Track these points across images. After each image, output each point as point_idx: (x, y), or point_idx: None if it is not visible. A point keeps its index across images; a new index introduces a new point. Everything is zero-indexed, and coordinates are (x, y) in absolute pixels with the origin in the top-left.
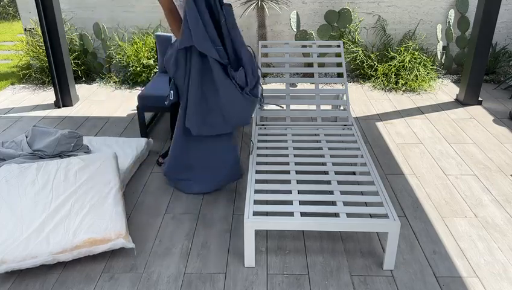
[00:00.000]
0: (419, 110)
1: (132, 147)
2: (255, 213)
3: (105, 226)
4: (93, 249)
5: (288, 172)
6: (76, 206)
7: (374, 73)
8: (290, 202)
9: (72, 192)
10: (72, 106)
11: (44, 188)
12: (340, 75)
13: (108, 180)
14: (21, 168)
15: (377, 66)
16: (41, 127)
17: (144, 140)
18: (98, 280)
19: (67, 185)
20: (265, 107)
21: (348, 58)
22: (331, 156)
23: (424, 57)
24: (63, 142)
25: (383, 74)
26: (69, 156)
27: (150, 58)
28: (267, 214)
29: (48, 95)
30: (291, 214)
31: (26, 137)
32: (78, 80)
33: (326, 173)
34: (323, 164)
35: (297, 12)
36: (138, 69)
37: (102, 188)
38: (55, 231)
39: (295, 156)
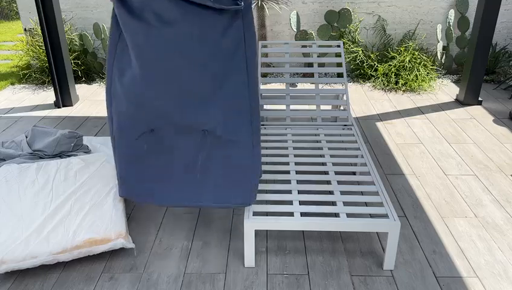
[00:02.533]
0: (419, 110)
1: None
2: (255, 213)
3: (105, 226)
4: (93, 249)
5: (288, 172)
6: (76, 207)
7: (374, 73)
8: (290, 202)
9: (72, 192)
10: (72, 106)
11: (44, 188)
12: (340, 75)
13: (108, 180)
14: (21, 168)
15: (377, 66)
16: (41, 127)
17: None
18: (98, 280)
19: (67, 185)
20: (265, 107)
21: (348, 58)
22: (331, 156)
23: (424, 57)
24: (63, 142)
25: (383, 74)
26: (69, 156)
27: None
28: (267, 214)
29: (48, 95)
30: (291, 214)
31: (26, 137)
32: (78, 80)
33: (326, 173)
34: (323, 164)
35: (297, 13)
36: None
37: (102, 188)
38: (55, 231)
39: (295, 156)
